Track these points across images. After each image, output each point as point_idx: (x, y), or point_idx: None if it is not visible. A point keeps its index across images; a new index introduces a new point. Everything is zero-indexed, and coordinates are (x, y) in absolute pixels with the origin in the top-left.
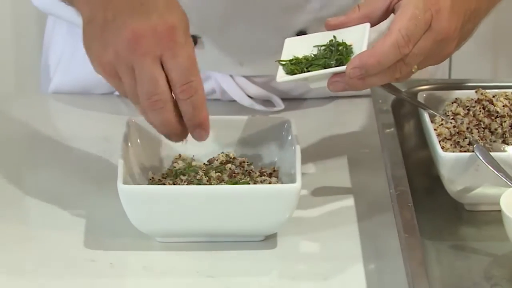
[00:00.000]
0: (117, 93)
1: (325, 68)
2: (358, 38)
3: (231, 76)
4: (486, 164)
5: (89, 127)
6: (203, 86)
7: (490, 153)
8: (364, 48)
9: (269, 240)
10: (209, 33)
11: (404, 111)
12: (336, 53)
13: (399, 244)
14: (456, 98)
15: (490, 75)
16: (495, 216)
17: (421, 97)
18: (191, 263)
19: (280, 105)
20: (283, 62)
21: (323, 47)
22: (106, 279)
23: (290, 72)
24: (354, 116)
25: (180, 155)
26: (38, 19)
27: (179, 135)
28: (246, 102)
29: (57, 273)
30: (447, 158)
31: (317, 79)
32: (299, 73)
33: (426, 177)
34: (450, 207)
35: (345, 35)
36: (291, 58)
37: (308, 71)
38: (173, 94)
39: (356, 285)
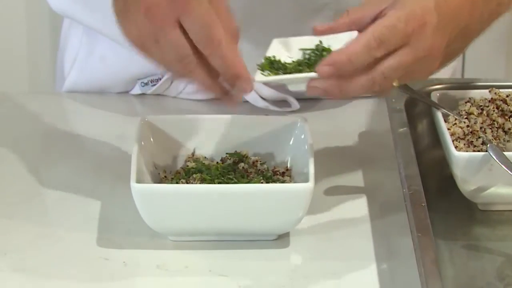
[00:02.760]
0: (132, 92)
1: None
2: (343, 45)
3: None
4: (500, 163)
5: (103, 125)
6: (224, 35)
7: (504, 152)
8: None
9: (281, 239)
10: None
11: (417, 111)
12: (320, 59)
13: (412, 244)
14: (469, 98)
15: (504, 75)
16: (509, 216)
17: (434, 97)
18: (204, 262)
19: (296, 105)
20: (264, 62)
21: (308, 51)
22: (119, 277)
23: (267, 75)
24: (368, 115)
25: (193, 154)
26: (53, 18)
27: (227, 97)
28: (261, 104)
29: (70, 271)
30: (461, 158)
31: (294, 82)
32: (275, 75)
33: (439, 177)
34: (463, 206)
35: (331, 42)
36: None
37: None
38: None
39: (368, 285)
